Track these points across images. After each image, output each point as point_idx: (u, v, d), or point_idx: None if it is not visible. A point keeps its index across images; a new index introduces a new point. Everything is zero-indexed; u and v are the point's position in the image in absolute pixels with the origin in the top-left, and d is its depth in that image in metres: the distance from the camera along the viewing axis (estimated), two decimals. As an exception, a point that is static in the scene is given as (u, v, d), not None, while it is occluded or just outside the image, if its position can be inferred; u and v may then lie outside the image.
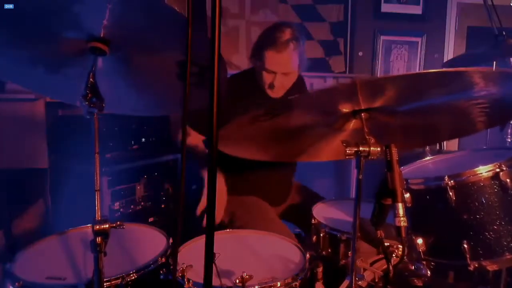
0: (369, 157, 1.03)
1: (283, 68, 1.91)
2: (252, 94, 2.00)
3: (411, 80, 0.93)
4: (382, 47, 3.80)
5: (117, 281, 1.18)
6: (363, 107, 1.08)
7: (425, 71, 0.87)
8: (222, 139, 1.10)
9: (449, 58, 3.77)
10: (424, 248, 1.49)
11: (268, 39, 1.92)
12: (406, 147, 1.37)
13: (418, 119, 1.21)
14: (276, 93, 1.96)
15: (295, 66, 1.94)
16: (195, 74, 1.09)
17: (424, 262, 1.47)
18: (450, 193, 1.41)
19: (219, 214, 1.86)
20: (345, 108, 1.10)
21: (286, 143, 1.37)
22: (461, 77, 0.93)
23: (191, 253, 1.41)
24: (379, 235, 1.02)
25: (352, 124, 1.19)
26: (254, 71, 2.02)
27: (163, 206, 2.82)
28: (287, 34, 1.88)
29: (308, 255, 1.38)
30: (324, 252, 1.63)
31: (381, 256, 1.45)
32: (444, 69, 0.85)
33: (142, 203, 2.69)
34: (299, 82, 2.12)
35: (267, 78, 1.92)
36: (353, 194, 3.37)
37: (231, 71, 3.50)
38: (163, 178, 2.82)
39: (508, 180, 1.38)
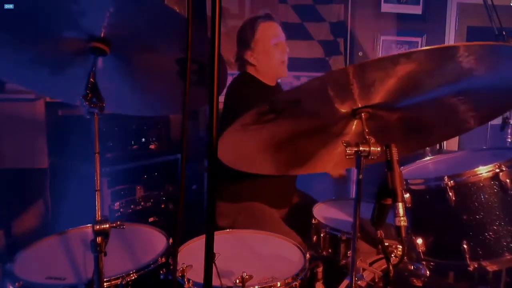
0: (369, 157, 1.04)
1: (280, 34, 1.99)
2: (260, 89, 2.03)
3: (397, 61, 0.92)
4: (382, 47, 3.80)
5: (117, 281, 1.18)
6: (360, 105, 1.08)
7: (410, 50, 0.86)
8: (224, 150, 1.10)
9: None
10: (424, 248, 1.49)
11: (252, 22, 2.02)
12: (406, 150, 1.37)
13: (416, 117, 1.22)
14: (285, 70, 2.03)
15: (284, 38, 2.03)
16: (195, 73, 1.10)
17: (424, 262, 1.47)
18: (450, 194, 1.41)
19: None
20: (344, 108, 1.10)
21: (289, 155, 1.36)
22: (447, 52, 0.92)
23: (191, 253, 1.41)
24: (379, 235, 1.02)
25: (353, 128, 1.20)
26: (245, 72, 2.05)
27: (163, 206, 2.82)
28: (264, 14, 2.06)
29: (308, 255, 1.38)
30: (324, 252, 1.63)
31: (380, 256, 1.45)
32: (430, 47, 0.84)
33: (142, 203, 2.69)
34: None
35: (276, 52, 1.98)
36: (353, 194, 3.37)
37: (231, 71, 3.50)
38: (163, 178, 2.82)
39: (507, 180, 1.38)
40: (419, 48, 0.86)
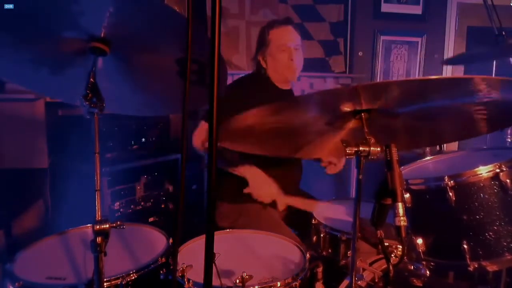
0: (369, 157, 1.03)
1: (291, 40, 2.00)
2: (267, 90, 2.05)
3: (413, 85, 0.94)
4: (382, 47, 3.80)
5: (117, 281, 1.19)
6: (364, 108, 1.09)
7: (428, 77, 0.87)
8: (223, 133, 1.11)
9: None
10: (424, 248, 1.49)
11: (268, 24, 2.05)
12: (406, 148, 1.37)
13: (418, 121, 1.21)
14: (293, 74, 2.04)
15: (300, 43, 2.04)
16: (195, 73, 1.10)
17: (424, 262, 1.47)
18: (450, 194, 1.41)
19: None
20: (347, 108, 1.10)
21: (286, 139, 1.37)
22: (464, 83, 0.93)
23: (191, 253, 1.41)
24: (379, 235, 1.02)
25: (352, 123, 1.20)
26: (260, 72, 2.06)
27: (163, 206, 2.82)
28: (282, 18, 2.09)
29: (308, 255, 1.38)
30: (324, 252, 1.63)
31: (380, 256, 1.45)
32: (448, 76, 0.86)
33: (142, 203, 2.69)
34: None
35: (283, 56, 2.00)
36: (353, 194, 3.37)
37: (231, 71, 3.51)
38: (163, 178, 2.82)
39: (508, 180, 1.38)
40: (436, 77, 0.86)
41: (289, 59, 1.99)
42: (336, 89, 0.99)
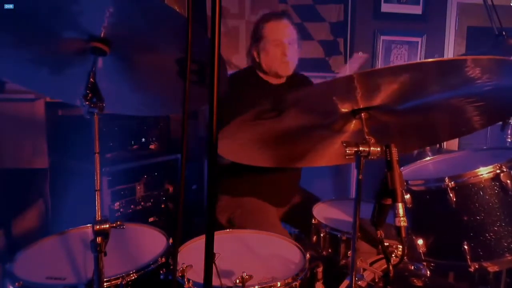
0: (369, 157, 1.03)
1: (286, 35, 1.97)
2: (256, 86, 2.04)
3: (408, 70, 0.93)
4: (382, 47, 3.80)
5: (117, 281, 1.19)
6: (361, 106, 1.08)
7: (422, 61, 0.87)
8: (223, 143, 1.11)
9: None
10: (425, 249, 1.49)
11: (263, 18, 2.03)
12: (406, 149, 1.37)
13: (417, 119, 1.21)
14: (286, 69, 2.01)
15: (295, 38, 2.01)
16: (195, 73, 1.10)
17: (424, 263, 1.47)
18: (451, 194, 1.40)
19: None
20: (344, 108, 1.10)
21: (286, 148, 1.37)
22: (458, 65, 0.92)
23: (191, 253, 1.41)
24: (379, 235, 1.02)
25: (352, 126, 1.20)
26: (254, 67, 2.06)
27: (163, 206, 2.82)
28: (279, 12, 2.08)
29: (308, 255, 1.38)
30: (324, 252, 1.63)
31: (381, 256, 1.45)
32: (441, 58, 0.85)
33: (142, 203, 2.69)
34: (306, 80, 2.16)
35: (276, 51, 1.97)
36: (353, 194, 3.37)
37: (231, 71, 3.50)
38: (163, 178, 2.82)
39: (508, 181, 1.38)
40: (427, 60, 0.85)
41: (282, 54, 1.96)
42: (332, 81, 0.97)
